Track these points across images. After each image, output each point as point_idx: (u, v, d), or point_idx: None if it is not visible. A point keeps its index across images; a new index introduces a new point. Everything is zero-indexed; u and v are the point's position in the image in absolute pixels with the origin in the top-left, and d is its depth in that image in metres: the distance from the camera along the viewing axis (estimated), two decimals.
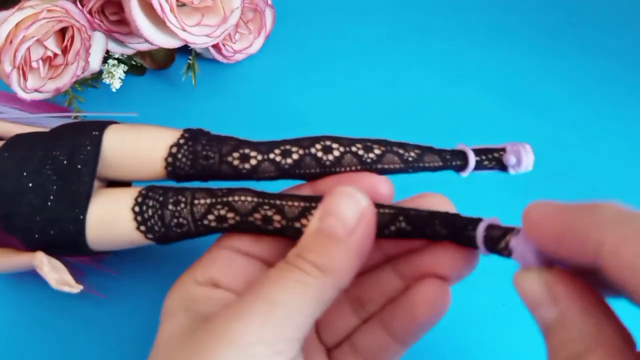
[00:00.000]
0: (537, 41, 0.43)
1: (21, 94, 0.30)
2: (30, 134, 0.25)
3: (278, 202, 0.22)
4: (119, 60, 0.36)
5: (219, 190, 0.22)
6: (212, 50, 0.37)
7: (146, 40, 0.31)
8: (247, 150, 0.23)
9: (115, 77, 0.35)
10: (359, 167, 0.23)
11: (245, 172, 0.23)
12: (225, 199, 0.22)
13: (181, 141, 0.23)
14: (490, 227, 0.19)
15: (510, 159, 0.22)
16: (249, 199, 0.22)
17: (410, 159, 0.23)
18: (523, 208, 0.17)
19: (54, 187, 0.22)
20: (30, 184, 0.22)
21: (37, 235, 0.22)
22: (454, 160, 0.23)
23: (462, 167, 0.23)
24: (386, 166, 0.23)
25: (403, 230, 0.21)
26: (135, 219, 0.22)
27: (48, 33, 0.29)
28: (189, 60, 0.37)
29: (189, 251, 0.24)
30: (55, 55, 0.30)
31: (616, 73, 0.42)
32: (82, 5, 0.31)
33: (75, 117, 0.32)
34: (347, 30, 0.42)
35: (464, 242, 0.20)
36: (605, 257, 0.14)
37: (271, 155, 0.23)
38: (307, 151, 0.23)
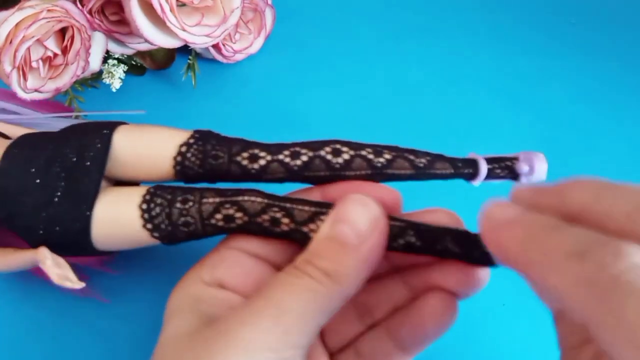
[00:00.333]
0: (537, 41, 0.43)
1: (21, 94, 0.30)
2: (38, 133, 0.25)
3: (288, 205, 0.21)
4: (119, 60, 0.36)
5: (228, 190, 0.22)
6: (212, 50, 0.37)
7: (146, 40, 0.31)
8: (256, 151, 0.23)
9: (115, 77, 0.35)
10: (368, 172, 0.22)
11: (254, 172, 0.23)
12: (234, 199, 0.22)
13: (191, 141, 0.23)
14: None
15: (523, 167, 0.22)
16: (259, 199, 0.22)
17: (421, 165, 0.22)
18: None
19: (62, 184, 0.22)
20: (38, 180, 0.22)
21: (41, 232, 0.22)
22: (466, 168, 0.23)
23: (473, 175, 0.23)
24: (396, 171, 0.22)
25: (412, 245, 0.21)
26: (142, 216, 0.22)
27: (48, 33, 0.29)
28: (189, 60, 0.37)
29: (193, 255, 0.24)
30: (55, 55, 0.30)
31: (616, 73, 0.42)
32: (82, 5, 0.31)
33: (77, 117, 0.32)
34: (347, 30, 0.42)
35: (476, 261, 0.20)
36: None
37: (280, 156, 0.23)
38: (316, 153, 0.23)
